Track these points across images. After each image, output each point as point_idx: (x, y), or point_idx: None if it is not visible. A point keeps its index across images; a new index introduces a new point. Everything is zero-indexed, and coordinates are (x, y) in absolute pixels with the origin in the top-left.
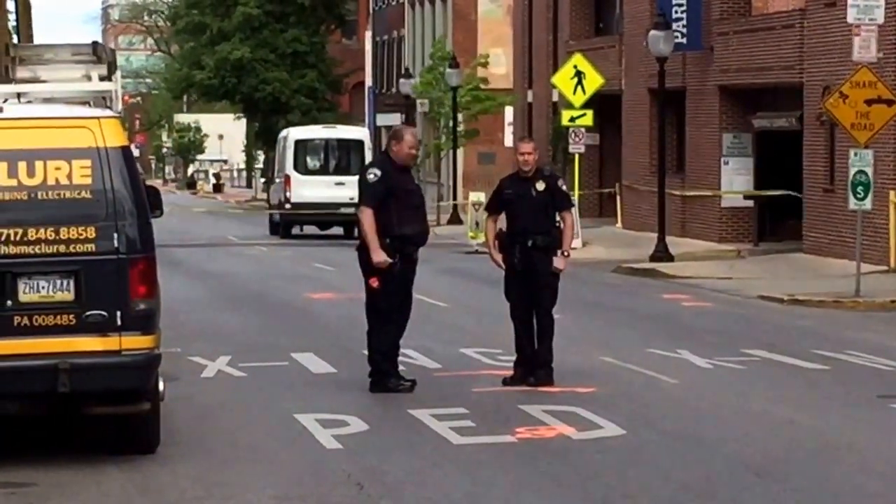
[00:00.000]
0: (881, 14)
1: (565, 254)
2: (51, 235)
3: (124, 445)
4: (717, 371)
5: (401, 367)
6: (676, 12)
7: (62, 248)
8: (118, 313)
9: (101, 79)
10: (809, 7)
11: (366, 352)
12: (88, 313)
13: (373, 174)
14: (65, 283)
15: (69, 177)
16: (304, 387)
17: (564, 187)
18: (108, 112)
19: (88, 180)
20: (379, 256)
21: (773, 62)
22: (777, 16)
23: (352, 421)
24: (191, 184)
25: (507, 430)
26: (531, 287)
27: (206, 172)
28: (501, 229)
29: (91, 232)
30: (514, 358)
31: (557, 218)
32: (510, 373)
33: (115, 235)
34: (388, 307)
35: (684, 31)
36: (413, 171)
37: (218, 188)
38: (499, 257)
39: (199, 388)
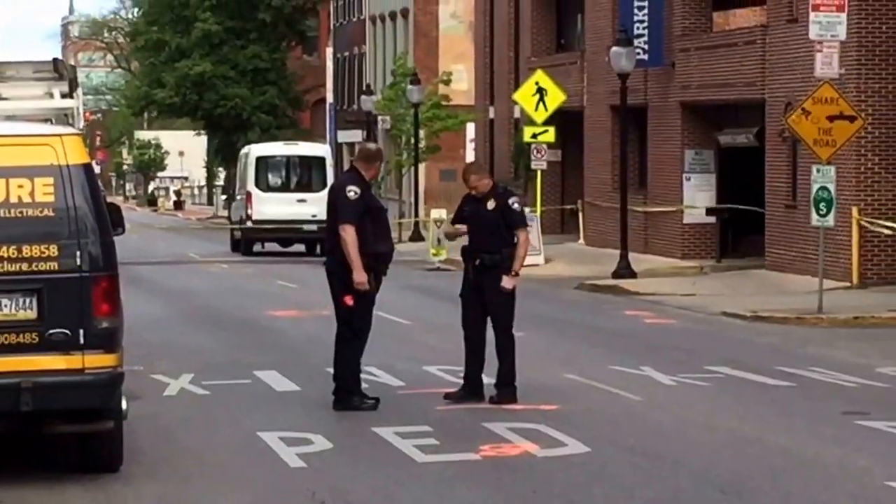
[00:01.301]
0: (843, 31)
1: (514, 273)
2: (13, 253)
3: (87, 464)
4: (680, 388)
5: (364, 385)
6: (638, 28)
7: (24, 267)
8: (81, 331)
9: (63, 96)
10: (771, 23)
11: (329, 369)
12: (51, 332)
13: (353, 191)
14: (27, 301)
15: (31, 195)
16: (267, 405)
17: (517, 206)
18: (69, 129)
19: (51, 198)
20: (362, 276)
21: (735, 78)
22: (739, 32)
23: (316, 439)
24: (151, 201)
25: (471, 448)
26: (482, 304)
27: (167, 189)
28: (464, 246)
29: (54, 250)
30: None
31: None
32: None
33: (78, 253)
34: (362, 325)
35: (646, 47)
36: (374, 187)
37: (179, 205)
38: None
39: (162, 406)
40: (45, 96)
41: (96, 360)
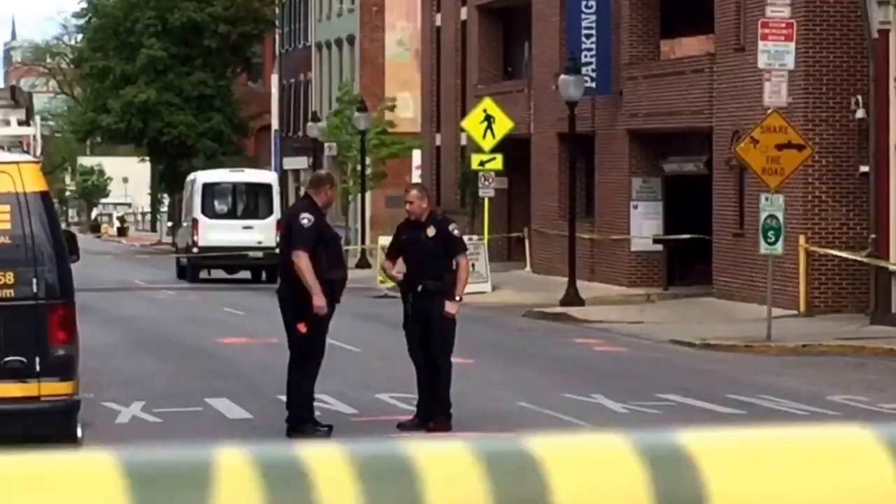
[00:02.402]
0: (791, 60)
1: (457, 298)
2: None
3: None
4: (632, 416)
5: (316, 413)
6: (586, 56)
7: None
8: (37, 359)
9: (20, 123)
10: (718, 52)
11: (281, 397)
12: (7, 359)
13: (306, 219)
14: None
15: None
16: (220, 432)
17: (456, 232)
18: (27, 157)
19: (8, 225)
20: (321, 300)
21: (683, 107)
22: (686, 60)
23: None
24: (95, 227)
25: None
26: (425, 331)
27: (110, 216)
28: (402, 274)
29: (10, 277)
30: None
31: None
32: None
33: (35, 281)
34: (315, 352)
35: (594, 75)
36: None
37: (122, 232)
38: (397, 274)
39: (114, 434)
40: (2, 123)
41: (52, 388)
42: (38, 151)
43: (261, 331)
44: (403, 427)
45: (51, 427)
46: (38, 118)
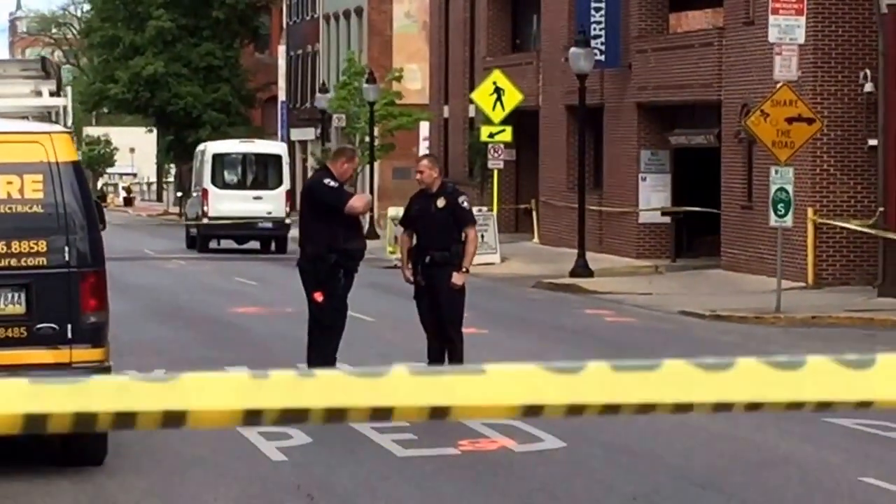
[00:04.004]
0: (801, 34)
1: (464, 269)
2: (2, 249)
3: (72, 457)
4: None
5: None
6: (595, 29)
7: (13, 262)
8: (69, 326)
9: (52, 94)
10: (727, 25)
11: (301, 365)
12: (39, 326)
13: (331, 182)
14: (16, 296)
15: (21, 191)
16: None
17: (466, 204)
18: (59, 128)
19: (40, 194)
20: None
21: (692, 80)
22: (695, 34)
23: (295, 433)
24: (101, 197)
25: (449, 443)
26: (435, 301)
27: (116, 186)
28: (413, 245)
29: (42, 246)
30: None
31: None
32: None
33: (66, 249)
34: (332, 321)
35: (603, 48)
36: None
37: (129, 201)
38: (408, 273)
39: None
40: (33, 94)
41: (83, 355)
42: (70, 121)
43: (274, 300)
44: None
45: None
46: (69, 89)
